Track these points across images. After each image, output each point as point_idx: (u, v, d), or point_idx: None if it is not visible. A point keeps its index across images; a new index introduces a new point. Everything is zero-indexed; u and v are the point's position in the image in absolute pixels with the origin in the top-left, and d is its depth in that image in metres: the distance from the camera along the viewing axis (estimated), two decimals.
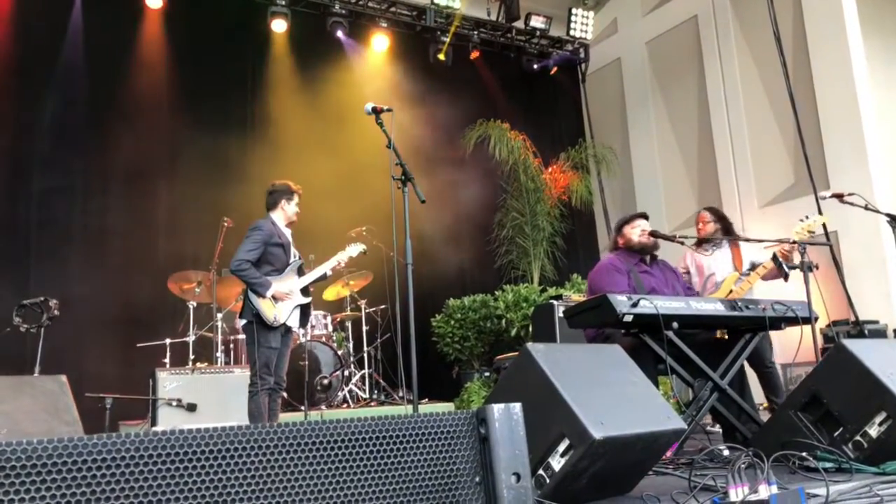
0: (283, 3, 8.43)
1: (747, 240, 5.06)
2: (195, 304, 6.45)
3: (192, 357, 6.24)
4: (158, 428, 5.42)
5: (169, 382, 5.59)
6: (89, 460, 1.32)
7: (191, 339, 6.31)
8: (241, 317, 4.77)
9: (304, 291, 4.84)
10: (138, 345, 6.39)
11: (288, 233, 4.85)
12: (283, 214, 4.81)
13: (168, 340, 6.29)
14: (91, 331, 6.73)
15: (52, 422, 2.17)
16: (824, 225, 4.99)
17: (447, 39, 9.35)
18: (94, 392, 5.52)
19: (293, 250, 4.85)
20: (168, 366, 6.03)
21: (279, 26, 8.46)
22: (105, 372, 6.45)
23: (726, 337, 4.23)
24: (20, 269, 6.78)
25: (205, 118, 7.94)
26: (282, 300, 4.60)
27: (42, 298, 4.99)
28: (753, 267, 4.86)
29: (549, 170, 9.57)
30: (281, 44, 8.65)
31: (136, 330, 6.68)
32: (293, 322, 4.75)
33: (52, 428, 2.14)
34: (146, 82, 7.74)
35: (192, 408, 5.57)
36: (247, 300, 4.59)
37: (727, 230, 5.13)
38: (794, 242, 4.39)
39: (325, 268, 4.94)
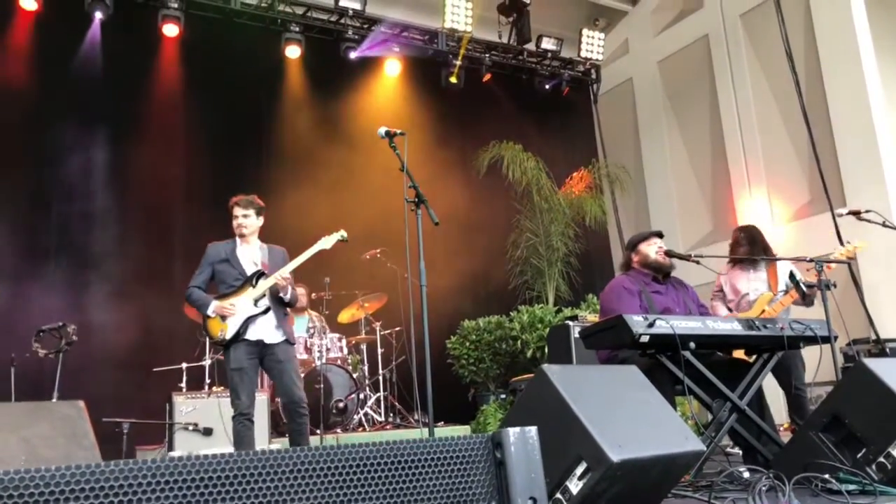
0: (297, 29, 8.55)
1: (767, 259, 5.01)
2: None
3: (207, 381, 6.25)
4: (175, 453, 5.43)
5: (185, 407, 5.61)
6: (106, 487, 1.33)
7: (206, 363, 6.33)
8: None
9: (280, 302, 4.55)
10: (154, 369, 6.42)
11: (249, 248, 4.64)
12: (235, 231, 4.68)
13: (184, 365, 6.30)
14: (108, 356, 6.78)
15: (70, 447, 2.18)
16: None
17: (458, 62, 9.43)
18: (111, 417, 5.55)
19: (252, 263, 4.60)
20: (184, 390, 6.05)
21: (293, 52, 8.57)
22: (122, 396, 6.47)
23: (746, 358, 4.19)
24: (39, 294, 6.84)
25: (220, 144, 8.04)
26: (227, 315, 4.43)
27: (60, 324, 5.04)
28: (787, 290, 4.80)
29: (573, 177, 9.55)
30: (295, 69, 8.75)
31: (152, 355, 6.71)
32: (259, 335, 4.45)
33: (70, 453, 2.15)
34: (163, 109, 7.85)
35: (208, 432, 5.58)
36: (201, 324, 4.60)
37: (763, 250, 5.06)
38: (811, 260, 4.35)
39: (284, 271, 4.52)
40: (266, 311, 4.49)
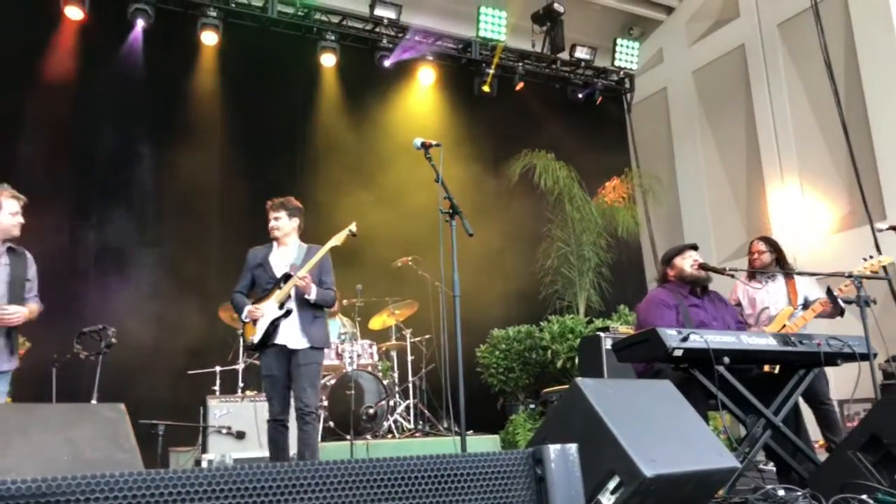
0: (333, 38, 8.65)
1: (801, 273, 4.94)
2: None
3: (240, 385, 6.33)
4: (209, 455, 5.51)
5: (219, 410, 5.68)
6: (147, 494, 1.36)
7: (240, 367, 6.41)
8: None
9: (308, 305, 4.47)
10: (189, 372, 6.52)
11: (286, 251, 4.60)
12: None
13: (218, 368, 6.40)
14: (144, 358, 6.89)
15: (112, 449, 2.23)
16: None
17: (491, 71, 9.46)
18: (146, 418, 5.64)
19: (281, 264, 4.55)
20: (218, 393, 6.13)
21: (328, 60, 8.67)
22: (156, 398, 6.59)
23: (776, 371, 4.13)
24: (79, 297, 7.00)
25: (256, 151, 8.17)
26: (256, 318, 4.45)
27: (101, 326, 5.14)
28: (808, 303, 4.73)
29: (605, 187, 9.50)
30: (330, 77, 8.86)
31: (187, 358, 6.82)
32: (284, 340, 4.40)
33: (112, 455, 2.20)
34: (201, 116, 7.99)
35: (240, 435, 5.65)
36: None
37: (781, 262, 5.01)
38: (850, 276, 4.28)
39: (302, 272, 4.42)
40: (287, 314, 4.42)
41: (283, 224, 4.61)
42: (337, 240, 4.60)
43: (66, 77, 7.37)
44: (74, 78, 7.42)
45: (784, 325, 4.62)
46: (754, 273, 5.06)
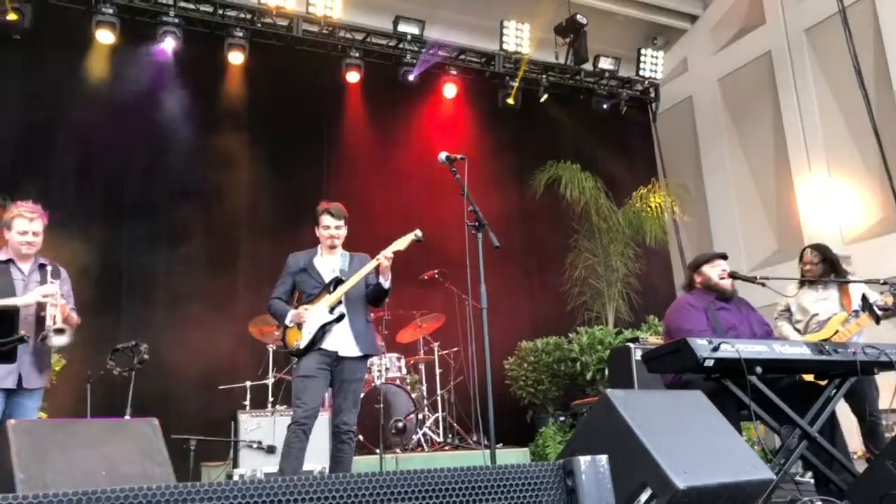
0: (357, 55, 8.74)
1: (838, 281, 4.85)
2: (274, 347, 6.61)
3: (271, 399, 6.38)
4: (240, 469, 5.55)
5: (250, 425, 5.72)
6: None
7: (270, 381, 6.46)
8: None
9: (361, 311, 4.39)
10: (220, 387, 6.58)
11: (331, 258, 4.47)
12: (320, 240, 4.51)
13: (248, 383, 6.45)
14: (175, 374, 6.97)
15: (146, 464, 2.27)
16: None
17: (516, 84, 9.48)
18: (178, 433, 5.71)
19: (330, 270, 4.41)
20: (248, 408, 6.18)
21: (353, 77, 8.76)
22: (188, 413, 6.65)
23: (818, 382, 4.06)
24: (112, 315, 7.11)
25: (283, 168, 8.27)
26: (303, 322, 4.26)
27: (133, 343, 5.22)
28: (863, 310, 4.64)
29: (632, 197, 9.45)
30: (355, 94, 8.94)
31: (217, 373, 6.89)
32: (334, 346, 4.23)
33: (146, 470, 2.23)
34: (229, 134, 8.11)
35: (271, 450, 5.68)
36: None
37: (834, 269, 4.92)
38: (885, 283, 4.20)
39: (363, 272, 4.31)
40: (340, 319, 4.25)
41: (343, 233, 4.48)
42: (400, 244, 4.37)
43: (99, 98, 7.54)
44: (106, 97, 7.59)
45: (836, 332, 4.55)
46: (805, 282, 4.99)
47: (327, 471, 4.52)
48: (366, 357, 4.36)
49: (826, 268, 4.92)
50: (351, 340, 4.28)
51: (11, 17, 7.05)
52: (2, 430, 2.31)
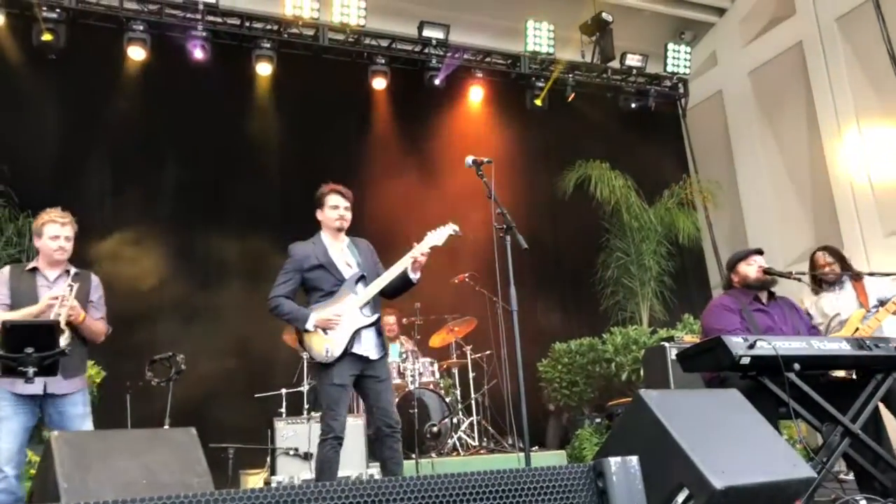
0: (383, 61, 8.79)
1: (871, 274, 4.77)
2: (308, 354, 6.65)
3: (306, 406, 6.43)
4: (278, 476, 5.61)
5: (287, 432, 5.77)
6: None
7: (305, 389, 6.51)
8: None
9: (375, 308, 4.06)
10: (255, 395, 6.65)
11: (340, 246, 4.19)
12: (326, 226, 4.20)
13: (283, 391, 6.51)
14: (211, 383, 7.06)
15: (185, 473, 2.30)
16: None
17: (545, 85, 9.44)
18: (215, 442, 5.78)
19: (350, 265, 4.12)
20: (284, 415, 6.24)
21: (379, 84, 8.81)
22: (225, 422, 6.72)
23: (854, 377, 3.98)
24: (149, 326, 7.25)
25: (313, 176, 8.25)
26: (331, 328, 3.89)
27: (171, 353, 5.30)
28: (882, 303, 4.56)
29: (664, 194, 9.36)
30: (381, 100, 9.00)
31: (252, 381, 6.97)
32: (364, 350, 3.95)
33: (185, 479, 2.27)
34: (259, 145, 8.24)
35: (307, 456, 5.73)
36: (298, 340, 4.03)
37: (847, 267, 4.85)
38: None
39: (398, 268, 4.01)
40: (377, 322, 4.00)
41: (350, 216, 4.19)
42: (437, 239, 4.10)
43: (132, 113, 7.70)
44: (138, 111, 7.74)
45: (857, 329, 4.46)
46: (821, 283, 4.92)
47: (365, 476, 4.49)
48: (386, 355, 4.14)
49: (843, 265, 4.86)
50: (377, 342, 4.04)
51: (46, 37, 7.23)
52: (47, 442, 2.38)
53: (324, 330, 3.89)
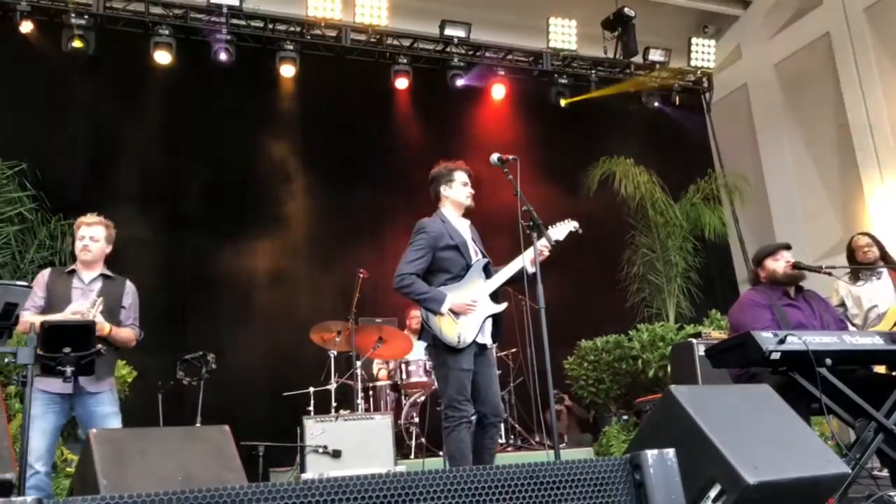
0: (405, 61, 8.82)
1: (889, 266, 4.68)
2: (335, 352, 6.70)
3: (334, 404, 6.47)
4: (307, 474, 5.65)
5: (315, 430, 5.81)
6: None
7: (333, 386, 6.55)
8: (420, 338, 4.16)
9: (495, 297, 3.99)
10: (284, 394, 6.71)
11: (464, 226, 4.08)
12: (451, 203, 4.09)
13: (312, 389, 6.55)
14: (240, 382, 7.15)
15: (220, 469, 2.34)
16: None
17: (567, 83, 9.42)
18: (246, 440, 5.83)
19: (475, 248, 4.04)
20: (313, 413, 6.28)
21: (402, 84, 8.84)
22: (255, 420, 6.80)
23: (893, 374, 3.92)
24: (180, 326, 7.35)
25: (336, 176, 8.42)
26: (464, 313, 3.79)
27: (201, 353, 5.37)
28: None
29: (689, 189, 9.29)
30: (404, 100, 9.03)
31: (281, 379, 7.03)
32: (485, 337, 3.91)
33: (220, 475, 2.31)
34: (285, 145, 8.32)
35: (336, 454, 5.76)
36: (423, 320, 3.88)
37: (885, 257, 4.77)
38: None
39: (521, 262, 3.94)
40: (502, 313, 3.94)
41: None
42: (559, 234, 4.07)
43: (160, 115, 7.83)
44: (166, 116, 7.87)
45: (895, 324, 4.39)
46: (858, 270, 4.83)
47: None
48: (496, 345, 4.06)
49: (880, 255, 4.77)
50: (493, 331, 4.00)
51: (77, 44, 7.38)
52: (86, 440, 2.44)
53: (455, 314, 3.78)
